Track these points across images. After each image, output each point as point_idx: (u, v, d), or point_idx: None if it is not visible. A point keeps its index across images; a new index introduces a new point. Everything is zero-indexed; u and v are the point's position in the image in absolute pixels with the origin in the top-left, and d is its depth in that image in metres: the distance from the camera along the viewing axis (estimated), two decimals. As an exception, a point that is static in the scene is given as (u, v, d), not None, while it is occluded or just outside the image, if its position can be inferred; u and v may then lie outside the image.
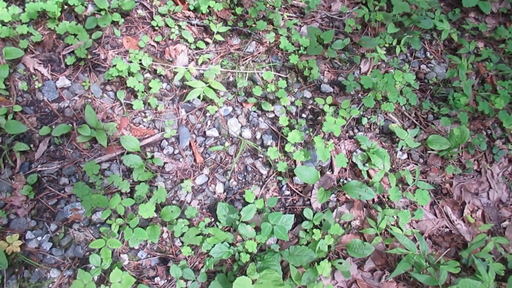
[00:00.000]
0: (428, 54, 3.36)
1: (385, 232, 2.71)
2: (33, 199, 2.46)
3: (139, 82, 2.69)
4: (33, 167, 2.54)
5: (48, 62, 2.81)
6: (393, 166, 2.91)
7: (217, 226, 2.48)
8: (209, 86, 2.75)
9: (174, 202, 2.57)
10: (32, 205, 2.45)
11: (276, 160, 2.72)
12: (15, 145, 2.51)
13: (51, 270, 2.33)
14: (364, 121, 2.94)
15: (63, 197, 2.49)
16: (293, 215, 2.48)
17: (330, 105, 2.81)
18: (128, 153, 2.57)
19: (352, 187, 2.57)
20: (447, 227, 2.84)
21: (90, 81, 2.79)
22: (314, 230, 2.48)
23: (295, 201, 2.72)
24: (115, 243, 2.14)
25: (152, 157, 2.62)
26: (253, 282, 2.17)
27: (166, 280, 2.40)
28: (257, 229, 2.48)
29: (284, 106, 2.86)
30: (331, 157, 2.82)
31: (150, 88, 2.70)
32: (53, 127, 2.63)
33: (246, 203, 2.61)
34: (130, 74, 2.74)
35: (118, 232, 2.37)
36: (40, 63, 2.79)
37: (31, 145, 2.58)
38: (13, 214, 2.42)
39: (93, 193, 2.33)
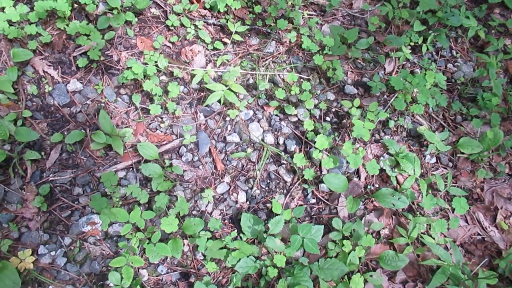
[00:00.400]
0: (454, 53, 3.21)
1: (416, 241, 2.57)
2: (46, 211, 2.31)
3: (156, 85, 2.54)
4: (45, 177, 2.38)
5: (58, 64, 2.66)
6: (422, 171, 2.76)
7: (240, 238, 2.33)
8: (229, 89, 2.60)
9: (194, 212, 2.42)
10: (44, 217, 2.30)
11: (302, 167, 2.57)
12: (25, 153, 2.36)
13: (66, 287, 2.18)
14: (391, 124, 2.79)
15: (77, 209, 2.33)
16: (322, 226, 2.33)
17: (357, 107, 2.66)
18: (145, 161, 2.42)
19: (383, 195, 2.42)
20: (479, 234, 2.69)
21: (103, 84, 2.63)
22: (344, 242, 2.34)
23: (321, 210, 2.57)
24: (137, 261, 1.99)
25: (171, 165, 2.47)
26: (284, 300, 2.02)
27: (188, 297, 2.25)
28: (284, 241, 2.34)
29: (308, 109, 2.71)
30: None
31: (168, 91, 2.55)
32: (65, 133, 2.48)
33: (270, 213, 2.47)
34: (146, 76, 2.59)
35: (138, 247, 2.22)
36: (50, 65, 2.64)
37: (42, 153, 2.42)
38: (24, 227, 2.27)
39: (110, 204, 2.18)
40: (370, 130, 2.67)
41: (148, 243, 2.12)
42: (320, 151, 2.41)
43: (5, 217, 2.24)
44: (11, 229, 2.22)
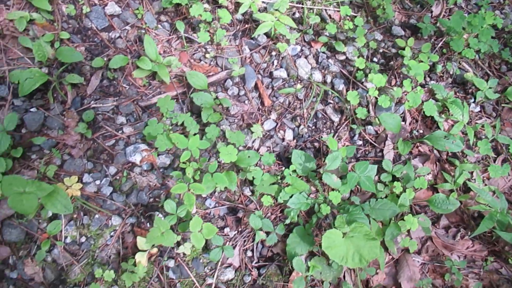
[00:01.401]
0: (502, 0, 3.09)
1: (458, 189, 2.54)
2: (89, 138, 2.18)
3: (205, 11, 2.37)
4: (86, 103, 2.24)
5: (94, -15, 2.46)
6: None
7: (290, 175, 2.25)
8: (278, 20, 2.45)
9: (240, 148, 2.33)
10: (87, 145, 2.18)
11: (351, 107, 2.47)
12: (66, 77, 2.20)
13: (112, 217, 2.09)
14: (439, 68, 2.69)
15: (121, 138, 2.22)
16: (376, 166, 2.27)
17: (411, 48, 2.55)
18: (193, 91, 2.29)
19: (437, 138, 2.35)
20: (519, 184, 2.68)
21: (143, 9, 2.46)
22: (395, 183, 2.29)
23: (367, 152, 2.50)
24: (198, 188, 1.89)
25: (216, 97, 2.34)
26: (343, 235, 1.97)
27: (236, 231, 2.19)
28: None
29: (357, 48, 2.58)
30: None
31: (218, 18, 2.38)
32: (105, 59, 2.32)
33: (317, 152, 2.40)
34: (191, 2, 2.42)
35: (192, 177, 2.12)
36: (85, -14, 2.44)
37: (82, 79, 2.27)
38: (67, 155, 2.14)
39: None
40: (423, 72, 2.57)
41: (200, 173, 2.03)
42: (376, 88, 2.31)
43: (47, 143, 2.11)
44: (54, 155, 2.10)
